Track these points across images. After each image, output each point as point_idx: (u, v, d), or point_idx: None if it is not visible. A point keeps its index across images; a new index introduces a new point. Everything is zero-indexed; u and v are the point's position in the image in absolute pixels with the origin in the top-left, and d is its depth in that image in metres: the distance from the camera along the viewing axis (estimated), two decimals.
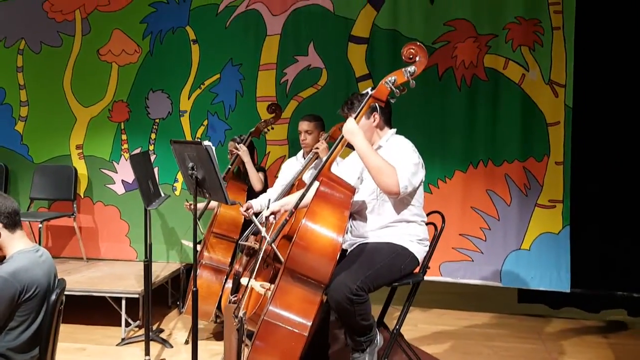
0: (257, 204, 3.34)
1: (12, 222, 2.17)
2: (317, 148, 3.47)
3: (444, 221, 2.81)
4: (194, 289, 2.76)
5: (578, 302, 4.30)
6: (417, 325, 4.16)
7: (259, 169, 4.02)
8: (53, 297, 2.13)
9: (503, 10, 4.11)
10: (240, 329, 2.60)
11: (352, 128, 2.48)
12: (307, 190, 2.55)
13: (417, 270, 2.72)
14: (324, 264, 2.35)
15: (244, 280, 2.65)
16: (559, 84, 4.06)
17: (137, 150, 4.66)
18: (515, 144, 4.15)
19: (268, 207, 2.70)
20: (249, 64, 4.49)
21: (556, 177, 4.10)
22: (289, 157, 4.37)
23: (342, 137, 2.53)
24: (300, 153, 3.76)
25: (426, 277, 3.98)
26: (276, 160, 4.48)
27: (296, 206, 2.57)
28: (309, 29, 4.39)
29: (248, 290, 2.70)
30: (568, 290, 4.09)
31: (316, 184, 2.53)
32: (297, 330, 2.36)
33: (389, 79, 2.47)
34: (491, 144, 4.19)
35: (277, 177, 3.86)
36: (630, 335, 4.05)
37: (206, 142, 2.53)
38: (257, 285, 2.65)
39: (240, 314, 2.60)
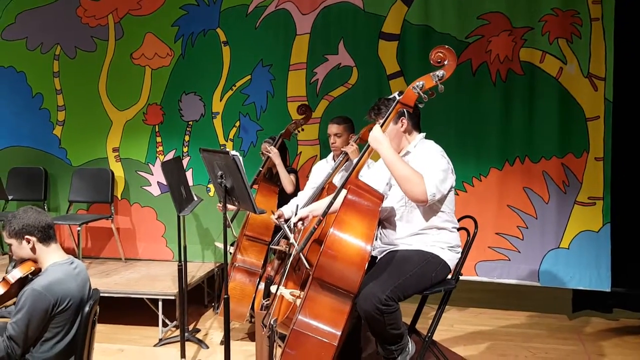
0: (288, 210, 3.34)
1: (47, 236, 2.23)
2: (346, 150, 3.44)
3: (476, 226, 2.75)
4: (225, 296, 2.79)
5: (620, 302, 4.17)
6: (453, 326, 4.10)
7: (291, 170, 4.02)
8: (87, 308, 2.18)
9: (539, 1, 3.97)
10: (272, 336, 2.62)
11: (378, 136, 2.44)
12: (335, 197, 2.52)
13: (449, 276, 2.67)
14: (352, 273, 2.33)
15: (273, 288, 2.66)
16: (599, 77, 3.91)
17: (172, 153, 4.73)
18: (553, 139, 4.03)
19: (296, 214, 2.69)
20: (279, 64, 4.48)
21: (596, 174, 3.97)
22: (321, 157, 4.37)
23: (369, 145, 2.49)
24: (331, 155, 3.74)
25: (462, 277, 3.94)
26: (308, 161, 4.47)
27: (324, 213, 2.55)
28: (338, 26, 4.34)
29: (278, 297, 2.71)
30: (609, 290, 3.97)
31: (344, 191, 2.51)
32: (326, 340, 2.36)
33: (417, 84, 2.42)
34: (528, 140, 4.08)
35: (308, 178, 3.85)
36: None
37: (233, 152, 2.53)
38: (287, 293, 2.65)
39: (271, 321, 2.61)
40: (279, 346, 2.57)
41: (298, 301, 2.61)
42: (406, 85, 4.03)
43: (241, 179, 2.54)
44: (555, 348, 3.73)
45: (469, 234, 2.76)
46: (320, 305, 2.41)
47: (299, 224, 2.64)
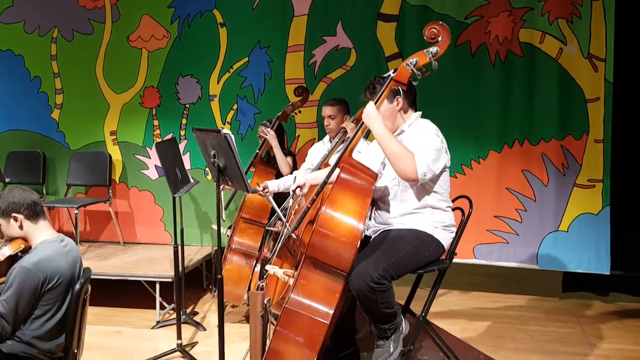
0: (274, 184, 3.34)
1: (34, 213, 2.23)
2: (344, 128, 3.41)
3: (471, 206, 2.73)
4: (219, 276, 2.78)
5: (620, 285, 4.15)
6: (451, 308, 4.09)
7: (288, 153, 4.00)
8: (77, 286, 2.18)
9: None
10: (265, 316, 2.61)
11: (371, 112, 2.41)
12: (330, 174, 2.51)
13: (443, 256, 2.66)
14: (344, 252, 2.31)
15: (268, 267, 2.65)
16: (599, 58, 3.86)
17: (169, 136, 4.71)
18: (553, 121, 4.00)
19: (295, 182, 2.71)
20: (277, 46, 4.44)
21: (596, 156, 3.94)
22: (319, 139, 4.32)
23: (362, 122, 2.46)
24: (327, 137, 3.71)
25: (459, 260, 3.93)
26: (306, 144, 4.45)
27: (318, 192, 2.53)
28: (336, 8, 4.30)
29: (273, 277, 2.71)
30: (608, 273, 3.96)
31: (337, 170, 2.48)
32: (319, 319, 2.35)
33: (410, 60, 2.38)
34: (527, 123, 4.04)
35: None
36: None
37: (225, 130, 2.51)
38: (280, 273, 2.64)
39: (265, 301, 2.61)
40: (273, 325, 2.57)
41: (291, 281, 2.60)
42: None
43: (233, 158, 2.52)
44: (553, 331, 3.72)
45: (463, 214, 2.74)
46: (313, 284, 2.39)
47: (297, 190, 2.64)
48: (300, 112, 4.04)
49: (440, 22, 2.38)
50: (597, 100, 3.88)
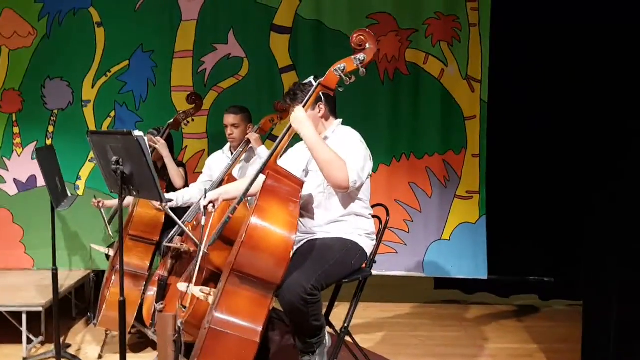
0: (178, 197, 3.12)
1: None
2: (250, 138, 3.29)
3: (388, 214, 2.76)
4: (121, 299, 2.48)
5: (490, 288, 4.49)
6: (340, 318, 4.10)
7: (179, 164, 3.75)
8: None
9: (423, 5, 4.13)
10: (178, 341, 2.38)
11: (301, 117, 2.34)
12: (252, 183, 2.37)
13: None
14: (276, 264, 2.19)
15: (181, 286, 2.41)
16: (475, 80, 4.18)
17: (32, 145, 4.17)
18: (436, 137, 4.21)
19: (205, 197, 2.50)
20: (162, 50, 4.16)
21: (473, 169, 4.21)
22: (209, 151, 4.13)
23: (290, 126, 2.38)
24: (227, 147, 3.55)
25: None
26: (194, 155, 4.21)
27: (240, 201, 2.38)
28: (228, 15, 4.14)
29: (183, 297, 2.48)
30: (485, 277, 4.24)
31: (261, 177, 2.36)
32: (247, 337, 2.19)
33: (338, 66, 2.37)
34: (413, 138, 4.22)
35: (201, 172, 3.61)
36: (542, 318, 4.28)
37: (137, 132, 2.25)
38: (197, 291, 2.43)
39: (178, 323, 2.37)
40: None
41: (210, 299, 2.41)
42: (298, 79, 4.04)
43: (146, 163, 2.27)
44: (441, 335, 3.88)
45: (381, 222, 2.76)
46: (238, 300, 2.24)
47: (210, 206, 2.47)
48: (193, 120, 3.82)
49: (367, 30, 2.40)
50: (474, 118, 4.19)
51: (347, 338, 2.79)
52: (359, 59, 2.35)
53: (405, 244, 4.27)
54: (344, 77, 2.36)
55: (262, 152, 3.29)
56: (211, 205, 2.49)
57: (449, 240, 4.26)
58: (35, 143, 4.16)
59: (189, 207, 3.33)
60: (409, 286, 4.74)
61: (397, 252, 4.26)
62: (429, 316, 4.27)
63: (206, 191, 2.57)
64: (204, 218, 2.47)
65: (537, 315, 4.34)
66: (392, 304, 4.49)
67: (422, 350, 3.62)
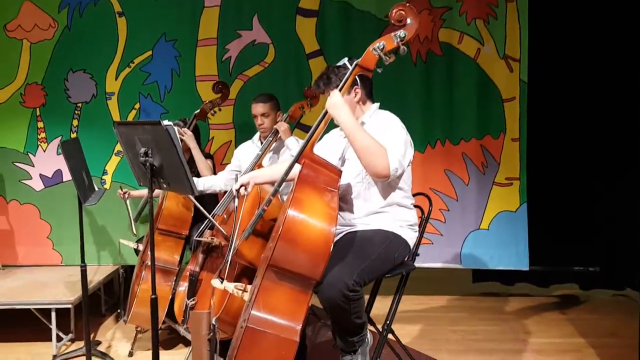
0: (199, 182, 3.03)
1: None
2: (278, 129, 3.14)
3: (430, 203, 2.60)
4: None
5: (529, 278, 4.30)
6: (379, 314, 3.95)
7: (207, 155, 3.63)
8: None
9: None
10: (213, 339, 2.26)
11: (338, 102, 2.18)
12: (287, 172, 2.23)
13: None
14: (315, 259, 2.05)
15: (215, 282, 2.29)
16: (514, 59, 3.97)
17: (57, 140, 4.09)
18: (472, 121, 4.02)
19: (237, 181, 2.39)
20: (185, 39, 4.03)
21: (512, 154, 4.02)
22: (236, 142, 4.00)
23: (326, 112, 2.22)
24: (257, 136, 3.41)
25: None
26: (221, 146, 4.08)
27: (274, 192, 2.24)
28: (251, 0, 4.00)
29: (205, 294, 2.38)
30: (527, 268, 4.05)
31: (297, 167, 2.22)
32: (286, 336, 2.05)
33: (377, 45, 2.19)
34: (448, 123, 4.04)
35: (229, 163, 3.48)
36: (586, 310, 4.09)
37: (166, 122, 2.12)
38: (231, 287, 2.30)
39: (213, 321, 2.26)
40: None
41: (245, 295, 2.28)
42: (327, 64, 3.87)
43: (176, 154, 2.14)
44: (482, 329, 3.72)
45: (423, 212, 2.60)
46: (276, 297, 2.10)
47: (242, 190, 2.35)
48: (220, 110, 3.69)
49: (407, 4, 2.22)
50: (513, 100, 3.98)
51: (389, 336, 2.64)
52: (400, 36, 2.17)
53: (442, 235, 4.09)
54: (383, 56, 2.19)
55: (291, 144, 3.15)
56: (243, 188, 2.37)
57: (488, 229, 4.07)
58: (60, 138, 4.07)
59: (218, 201, 3.21)
60: (443, 279, 4.58)
61: (432, 243, 4.09)
62: (467, 309, 4.11)
63: (237, 176, 2.45)
64: (236, 200, 2.36)
65: (579, 307, 4.14)
66: (425, 296, 4.32)
67: (464, 346, 3.46)
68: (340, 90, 2.23)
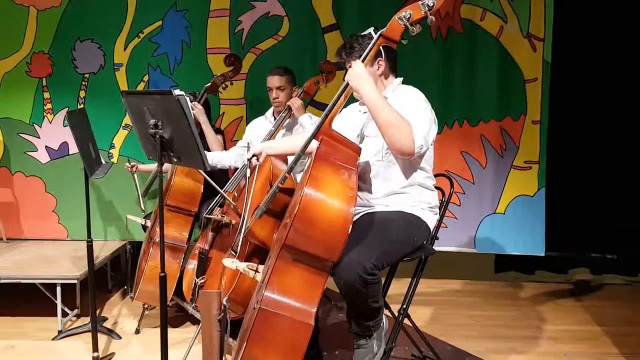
0: (208, 156, 2.92)
1: None
2: (291, 105, 3.02)
3: (452, 185, 2.48)
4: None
5: (547, 264, 4.21)
6: (389, 296, 3.87)
7: (217, 131, 3.53)
8: None
9: None
10: (223, 320, 2.18)
11: (361, 73, 2.06)
12: (304, 149, 2.12)
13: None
14: (333, 240, 1.94)
15: (227, 262, 2.20)
16: (538, 38, 3.81)
17: (63, 111, 3.98)
18: (492, 102, 3.88)
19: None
20: (197, 9, 3.89)
21: (533, 137, 3.89)
22: (247, 118, 3.89)
23: (347, 84, 2.10)
24: (270, 112, 3.29)
25: None
26: (232, 122, 3.97)
27: (290, 169, 2.13)
28: None
29: (215, 273, 2.29)
30: (543, 254, 3.94)
31: (314, 143, 2.10)
32: (301, 319, 1.96)
33: (403, 14, 2.06)
34: (467, 103, 3.90)
35: (241, 139, 3.37)
36: (601, 297, 4.00)
37: (178, 91, 2.01)
38: (243, 266, 2.21)
39: (223, 301, 2.17)
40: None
41: (257, 275, 2.19)
42: (342, 39, 3.74)
43: (188, 126, 2.03)
44: (497, 315, 3.64)
45: (444, 194, 2.49)
46: (291, 279, 2.00)
47: (254, 159, 2.26)
48: (232, 84, 3.56)
49: None
50: (535, 81, 3.84)
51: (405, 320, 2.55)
52: (428, 5, 2.03)
53: (457, 218, 3.99)
54: (409, 26, 2.05)
55: (305, 121, 3.04)
56: (255, 158, 2.27)
57: (504, 214, 3.96)
58: (66, 109, 3.97)
59: (228, 179, 3.11)
60: (457, 263, 4.47)
61: (447, 227, 3.97)
62: (481, 294, 4.02)
63: (249, 145, 2.35)
64: (248, 170, 2.27)
65: (595, 294, 4.05)
66: (438, 280, 4.22)
67: (478, 332, 3.37)
68: (363, 61, 2.10)
